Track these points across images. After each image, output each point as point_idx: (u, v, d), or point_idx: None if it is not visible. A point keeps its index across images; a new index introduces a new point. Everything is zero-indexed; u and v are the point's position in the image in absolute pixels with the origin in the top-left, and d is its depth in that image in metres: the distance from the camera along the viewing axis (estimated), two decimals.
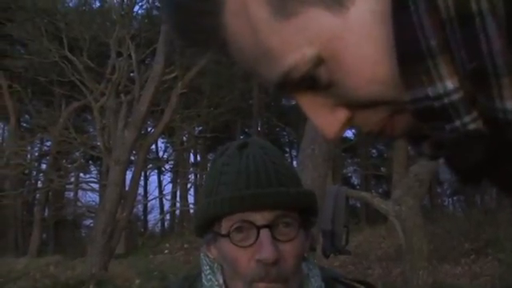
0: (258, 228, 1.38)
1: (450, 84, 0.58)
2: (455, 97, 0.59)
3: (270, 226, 1.38)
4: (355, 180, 40.53)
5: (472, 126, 0.60)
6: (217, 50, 0.74)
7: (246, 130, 36.06)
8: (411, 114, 0.64)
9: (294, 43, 0.63)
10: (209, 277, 1.52)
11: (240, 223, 1.40)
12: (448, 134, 0.62)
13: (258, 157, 1.46)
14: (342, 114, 0.68)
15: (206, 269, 1.53)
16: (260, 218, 1.38)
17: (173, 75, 21.36)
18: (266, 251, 1.35)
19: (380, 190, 37.09)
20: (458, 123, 0.60)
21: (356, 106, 0.67)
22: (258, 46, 0.66)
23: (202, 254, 1.56)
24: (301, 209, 1.45)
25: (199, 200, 33.40)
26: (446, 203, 40.48)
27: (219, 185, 1.45)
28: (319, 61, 0.63)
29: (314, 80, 0.65)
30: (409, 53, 0.58)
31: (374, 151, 39.58)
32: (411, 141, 0.74)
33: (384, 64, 0.61)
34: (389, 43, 0.60)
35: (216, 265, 1.52)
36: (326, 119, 0.69)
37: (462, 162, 0.64)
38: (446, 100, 0.59)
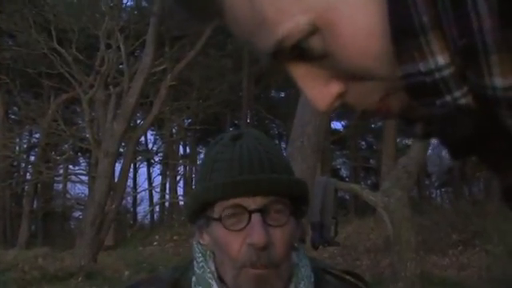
0: (250, 212, 1.40)
1: (441, 59, 0.59)
2: (446, 72, 0.60)
3: (261, 211, 1.40)
4: (344, 172, 40.74)
5: (462, 101, 0.61)
6: (213, 20, 0.75)
7: (236, 122, 36.08)
8: (404, 90, 0.65)
9: (289, 12, 0.63)
10: (201, 264, 1.54)
11: (232, 208, 1.42)
12: (439, 109, 0.63)
13: (251, 146, 1.48)
14: (336, 87, 0.69)
15: (198, 256, 1.55)
16: (252, 203, 1.40)
17: (162, 67, 21.40)
18: (257, 235, 1.37)
19: (369, 182, 37.27)
20: (448, 98, 0.61)
21: (349, 78, 0.67)
22: (254, 16, 0.66)
23: (194, 243, 1.57)
24: (292, 196, 1.47)
25: (190, 190, 33.45)
26: (433, 195, 40.72)
27: (213, 172, 1.48)
28: (313, 29, 0.63)
29: (307, 49, 0.65)
30: (401, 28, 0.60)
31: (363, 143, 39.73)
32: (405, 121, 0.74)
33: (377, 37, 0.62)
34: (383, 17, 0.60)
35: (208, 252, 1.53)
36: (319, 91, 0.69)
37: (453, 135, 0.65)
38: (437, 75, 0.60)
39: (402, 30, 0.60)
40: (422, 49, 0.60)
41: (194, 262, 1.56)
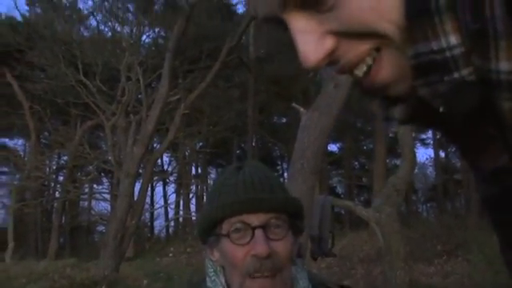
0: (253, 228, 1.45)
1: (453, 39, 0.60)
2: (457, 51, 0.60)
3: (263, 227, 1.45)
4: (340, 189, 40.48)
5: (469, 78, 0.61)
6: None
7: (242, 145, 36.06)
8: (413, 69, 0.64)
9: None
10: (213, 278, 1.58)
11: (238, 224, 1.46)
12: (446, 85, 0.63)
13: (252, 172, 1.54)
14: (329, 44, 0.67)
15: (210, 271, 1.59)
16: (255, 219, 1.45)
17: (176, 97, 21.41)
18: (260, 247, 1.42)
19: (362, 199, 37.09)
20: (456, 75, 0.61)
21: (347, 35, 0.66)
22: None
23: (206, 260, 1.61)
24: (289, 213, 1.51)
25: (201, 208, 33.39)
26: (420, 210, 40.47)
27: (220, 194, 1.52)
28: None
29: None
30: (418, 9, 0.60)
31: (356, 164, 39.58)
32: (384, 104, 0.74)
33: None
34: None
35: (219, 268, 1.57)
36: (313, 45, 0.67)
37: (459, 107, 0.64)
38: (447, 54, 0.60)
39: (418, 10, 0.60)
40: (436, 28, 0.60)
41: (207, 278, 1.60)
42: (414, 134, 18.00)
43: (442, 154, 36.22)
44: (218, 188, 1.56)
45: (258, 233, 1.45)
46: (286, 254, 1.47)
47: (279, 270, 1.45)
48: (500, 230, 0.97)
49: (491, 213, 0.88)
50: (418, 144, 37.31)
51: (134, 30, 25.14)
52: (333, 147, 37.34)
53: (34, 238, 31.05)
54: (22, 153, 34.76)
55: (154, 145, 28.18)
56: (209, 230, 1.55)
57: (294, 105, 9.30)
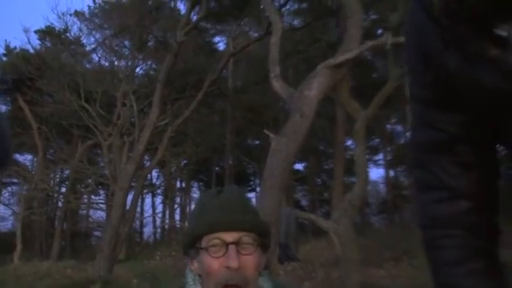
0: (227, 244, 1.49)
1: None
2: None
3: (236, 243, 1.49)
4: (304, 203, 40.45)
5: None
6: None
7: (221, 163, 36.01)
8: None
9: None
10: (192, 286, 1.60)
11: (215, 241, 1.50)
12: None
13: (229, 196, 1.58)
14: None
15: (189, 281, 1.61)
16: (229, 237, 1.49)
17: (165, 122, 21.36)
18: (232, 260, 1.46)
19: (323, 211, 37.05)
20: None
21: None
22: None
23: (187, 270, 1.64)
24: (258, 232, 1.55)
25: (184, 217, 33.26)
26: (372, 221, 40.51)
27: (201, 214, 1.56)
28: None
29: None
30: None
31: (319, 180, 39.61)
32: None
33: None
34: None
35: (197, 278, 1.59)
36: None
37: None
38: None
39: None
40: None
41: (186, 286, 1.62)
42: (367, 157, 18.13)
43: (392, 173, 36.54)
44: (199, 208, 1.60)
45: (231, 248, 1.48)
46: (255, 267, 1.51)
47: (248, 281, 1.48)
48: (423, 170, 0.91)
49: (421, 154, 0.83)
50: (371, 164, 37.56)
51: (130, 63, 25.10)
52: (298, 166, 37.43)
53: (39, 241, 30.62)
54: (30, 167, 34.42)
55: (145, 162, 28.03)
56: (190, 244, 1.58)
57: (265, 131, 9.35)
